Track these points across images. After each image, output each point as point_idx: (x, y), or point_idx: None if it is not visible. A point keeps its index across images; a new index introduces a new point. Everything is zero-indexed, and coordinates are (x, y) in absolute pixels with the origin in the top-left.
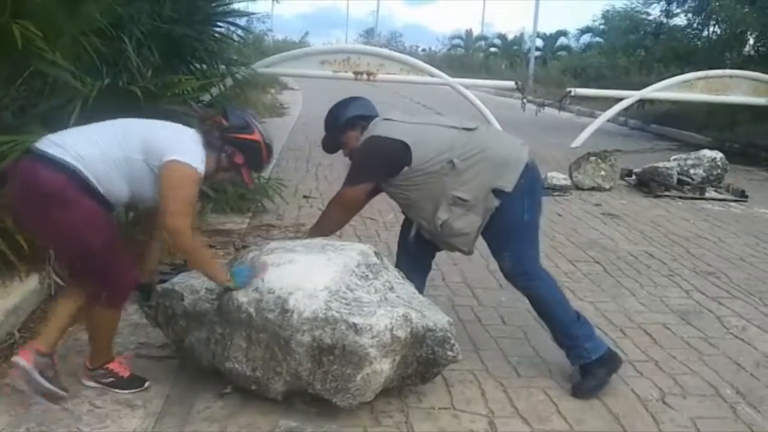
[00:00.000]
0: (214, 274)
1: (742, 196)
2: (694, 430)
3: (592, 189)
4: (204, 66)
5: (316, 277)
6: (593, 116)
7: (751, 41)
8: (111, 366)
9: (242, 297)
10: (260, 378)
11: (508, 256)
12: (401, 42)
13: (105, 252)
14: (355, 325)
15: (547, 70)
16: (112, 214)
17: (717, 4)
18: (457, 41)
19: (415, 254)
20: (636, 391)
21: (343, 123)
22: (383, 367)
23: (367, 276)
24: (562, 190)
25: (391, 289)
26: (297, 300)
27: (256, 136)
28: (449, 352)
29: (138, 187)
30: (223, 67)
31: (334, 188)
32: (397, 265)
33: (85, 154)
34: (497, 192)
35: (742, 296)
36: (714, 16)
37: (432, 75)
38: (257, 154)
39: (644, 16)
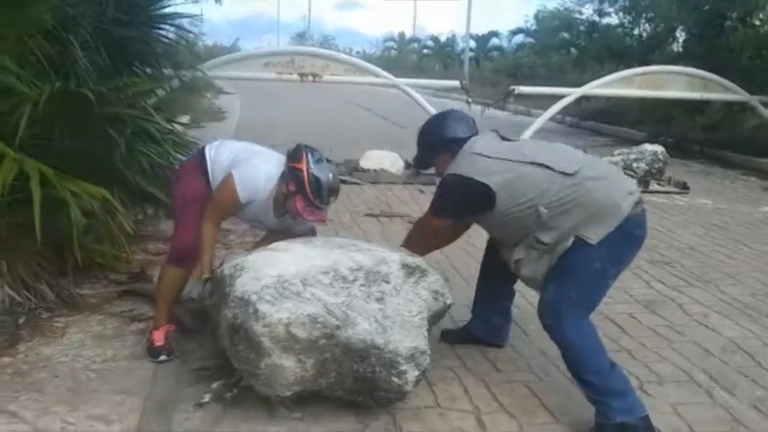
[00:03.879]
0: (202, 260)
1: (684, 187)
2: (676, 416)
3: None
4: (148, 69)
5: (282, 265)
6: (530, 114)
7: (680, 38)
8: (153, 333)
9: (228, 270)
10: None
11: (552, 290)
12: (334, 45)
13: (186, 214)
14: (257, 311)
15: (481, 70)
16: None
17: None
18: (390, 43)
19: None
20: None
21: (436, 145)
22: (284, 362)
23: (353, 280)
24: None
25: (379, 300)
26: (243, 279)
27: (301, 165)
28: (394, 378)
29: None
30: (169, 70)
31: None
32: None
33: (216, 157)
34: (578, 238)
35: (699, 284)
36: (644, 14)
37: (377, 76)
38: (302, 182)
39: (577, 16)
